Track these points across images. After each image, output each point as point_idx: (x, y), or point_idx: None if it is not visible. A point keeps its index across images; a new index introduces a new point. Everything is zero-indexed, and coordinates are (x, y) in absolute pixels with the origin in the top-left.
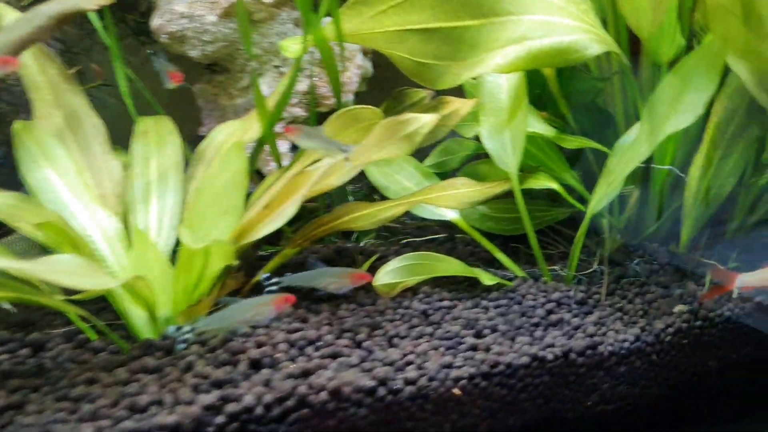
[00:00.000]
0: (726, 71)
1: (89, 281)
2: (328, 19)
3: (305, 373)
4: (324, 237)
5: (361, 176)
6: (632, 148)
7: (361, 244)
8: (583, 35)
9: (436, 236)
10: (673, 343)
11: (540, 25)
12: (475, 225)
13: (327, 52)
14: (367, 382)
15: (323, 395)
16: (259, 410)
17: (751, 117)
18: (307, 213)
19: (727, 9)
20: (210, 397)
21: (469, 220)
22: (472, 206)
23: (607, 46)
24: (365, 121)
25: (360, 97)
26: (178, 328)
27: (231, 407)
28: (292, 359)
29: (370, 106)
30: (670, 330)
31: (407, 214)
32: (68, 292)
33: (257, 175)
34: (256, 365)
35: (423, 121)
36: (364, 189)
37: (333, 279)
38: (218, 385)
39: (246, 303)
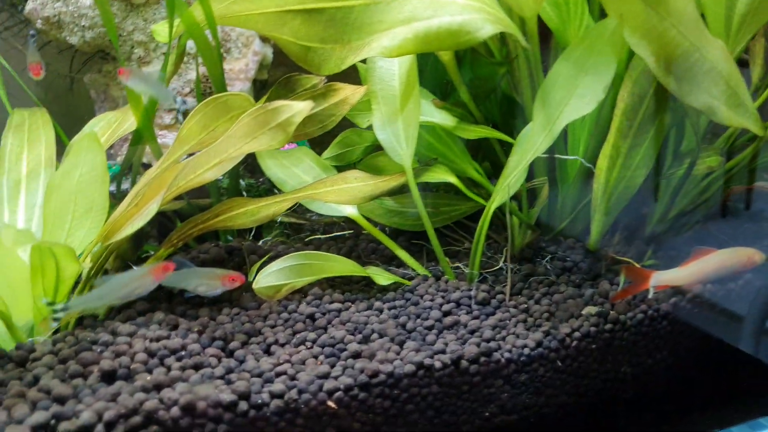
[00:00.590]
0: (631, 54)
1: None
2: None
3: (158, 387)
4: (217, 234)
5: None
6: (530, 139)
7: (260, 243)
8: (476, 15)
9: (342, 233)
10: (580, 348)
11: (428, 5)
12: (380, 220)
13: (200, 38)
14: (226, 396)
15: (175, 411)
16: (98, 428)
17: (660, 103)
18: (198, 209)
19: None
20: (43, 415)
21: (374, 215)
22: (366, 201)
23: (503, 27)
24: (237, 110)
25: (265, 85)
26: (50, 303)
27: (65, 425)
28: (150, 371)
29: (241, 93)
30: (577, 334)
31: (313, 210)
32: None
33: (144, 169)
34: (109, 377)
35: (296, 109)
36: (266, 184)
37: (202, 281)
38: (60, 400)
39: (123, 277)
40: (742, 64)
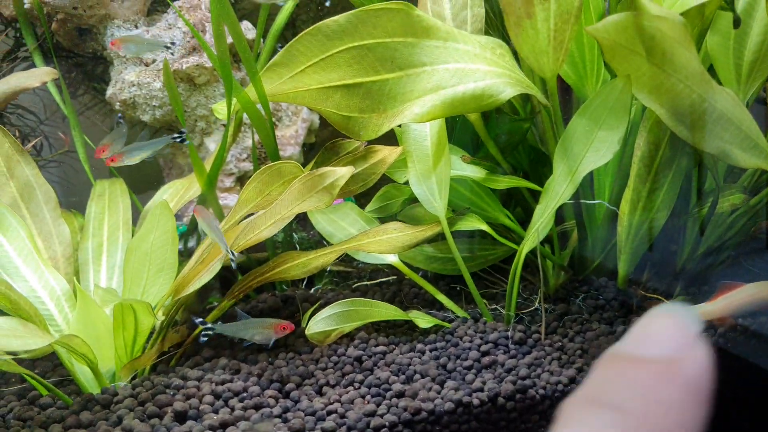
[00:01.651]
0: (644, 105)
1: (16, 342)
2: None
3: (223, 425)
4: (273, 284)
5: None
6: (554, 188)
7: (312, 290)
8: (497, 80)
9: (386, 279)
10: None
11: (453, 74)
12: (420, 266)
13: (254, 114)
14: None
15: None
16: None
17: (676, 149)
18: (256, 263)
19: (627, 48)
20: None
21: (415, 261)
22: (405, 249)
23: (523, 89)
24: (288, 175)
25: (312, 147)
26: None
27: None
28: (216, 411)
29: (292, 161)
30: None
31: (358, 259)
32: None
33: None
34: (181, 417)
35: (339, 174)
36: (316, 236)
37: (258, 330)
38: None
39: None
40: (763, 102)
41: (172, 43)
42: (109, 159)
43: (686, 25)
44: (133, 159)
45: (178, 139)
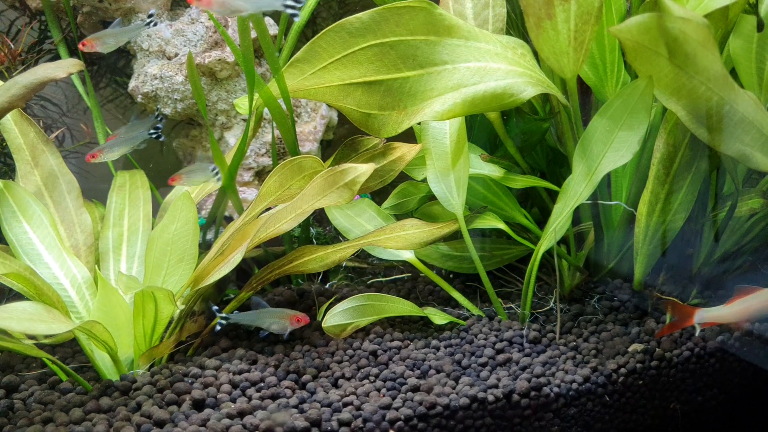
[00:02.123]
0: (664, 107)
1: (41, 326)
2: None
3: (241, 414)
4: (289, 278)
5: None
6: (572, 188)
7: (327, 285)
8: (518, 79)
9: (401, 276)
10: (627, 384)
11: (475, 72)
12: (435, 264)
13: (275, 109)
14: (300, 423)
15: None
16: None
17: (695, 151)
18: (273, 256)
19: (650, 49)
20: None
21: (430, 259)
22: (422, 246)
23: (544, 89)
24: (309, 170)
25: (330, 144)
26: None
27: None
28: (233, 400)
29: (312, 156)
30: (623, 370)
31: (374, 255)
32: (47, 335)
33: (227, 221)
34: (199, 405)
35: (360, 171)
36: (332, 232)
37: (274, 320)
38: (159, 424)
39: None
40: None
41: (150, 16)
42: (89, 155)
43: (710, 27)
44: (113, 155)
45: (154, 135)
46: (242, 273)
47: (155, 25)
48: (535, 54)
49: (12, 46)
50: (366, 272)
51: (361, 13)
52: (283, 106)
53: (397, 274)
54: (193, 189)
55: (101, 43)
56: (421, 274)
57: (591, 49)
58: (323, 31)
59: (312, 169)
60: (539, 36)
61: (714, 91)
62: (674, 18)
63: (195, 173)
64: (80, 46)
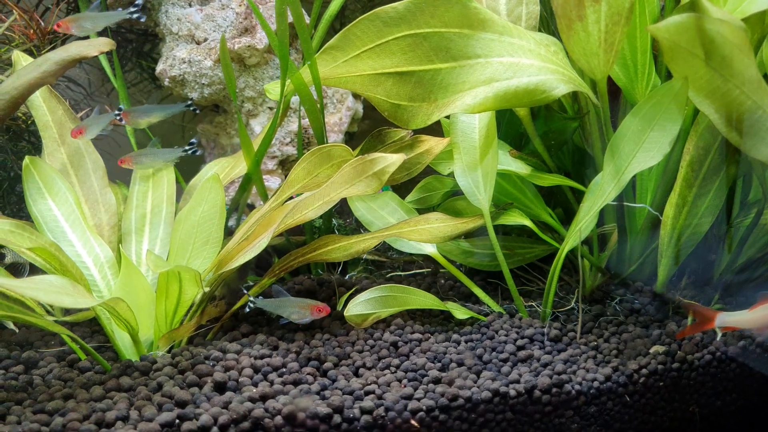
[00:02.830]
0: (696, 110)
1: (68, 299)
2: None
3: (263, 397)
4: (309, 268)
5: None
6: (600, 188)
7: (347, 277)
8: (551, 76)
9: (421, 270)
10: (648, 384)
11: (508, 67)
12: (457, 260)
13: (306, 95)
14: (323, 409)
15: (278, 419)
16: (214, 430)
17: (724, 156)
18: (294, 245)
19: (687, 50)
20: (169, 416)
21: (452, 255)
22: (446, 240)
23: (576, 87)
24: (337, 158)
25: (353, 137)
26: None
27: (187, 425)
28: (255, 384)
29: (341, 144)
30: (645, 371)
31: (394, 248)
32: (65, 313)
33: (249, 209)
34: (220, 388)
35: (390, 161)
36: (353, 224)
37: (295, 309)
38: (181, 404)
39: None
40: None
41: (135, 5)
42: (121, 160)
43: (747, 30)
44: (143, 165)
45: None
46: (262, 261)
47: (138, 15)
48: (567, 53)
49: (42, 23)
50: (385, 266)
51: (396, 3)
52: (314, 94)
53: (416, 268)
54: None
55: (77, 25)
56: (441, 269)
57: (623, 51)
58: (358, 18)
59: (341, 157)
60: (570, 37)
61: (748, 96)
62: (712, 19)
63: (145, 156)
64: (55, 27)
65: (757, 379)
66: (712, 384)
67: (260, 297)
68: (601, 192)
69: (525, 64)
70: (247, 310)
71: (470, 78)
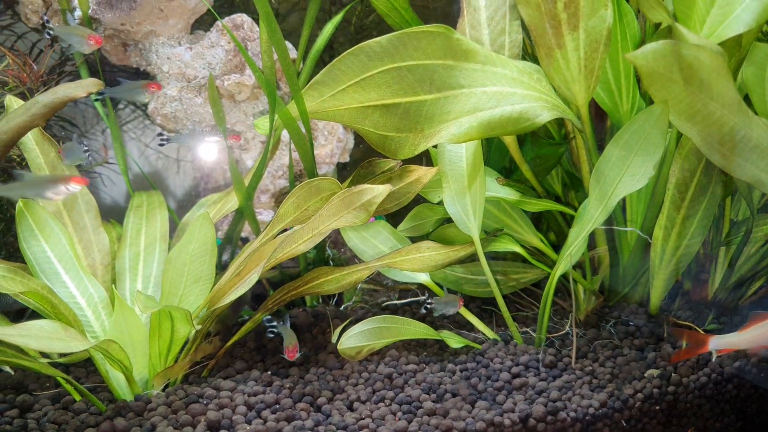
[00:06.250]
0: (679, 132)
1: (59, 344)
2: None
3: None
4: (303, 300)
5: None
6: (587, 213)
7: (342, 307)
8: (534, 103)
9: (416, 299)
10: (644, 409)
11: (491, 96)
12: (451, 287)
13: (294, 130)
14: None
15: None
16: None
17: (711, 176)
18: (288, 278)
19: (665, 76)
20: None
21: (446, 282)
22: (438, 269)
23: (559, 113)
24: (326, 191)
25: (345, 166)
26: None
27: None
28: (249, 422)
29: (330, 177)
30: (640, 395)
31: (389, 277)
32: (61, 354)
33: (243, 242)
34: (213, 427)
35: (376, 192)
36: (347, 254)
37: (285, 345)
38: None
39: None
40: None
41: (43, 26)
42: None
43: (723, 54)
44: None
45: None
46: (257, 295)
47: (48, 33)
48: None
49: (35, 67)
50: (380, 295)
51: (380, 37)
52: (302, 128)
53: (412, 296)
54: (209, 210)
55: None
56: (435, 297)
57: (606, 75)
58: (343, 54)
59: (330, 190)
60: (550, 65)
61: (728, 117)
62: (689, 45)
63: (67, 152)
64: None
65: (755, 399)
66: (710, 406)
67: (281, 322)
68: (589, 216)
69: (508, 92)
70: (269, 336)
71: (455, 108)
